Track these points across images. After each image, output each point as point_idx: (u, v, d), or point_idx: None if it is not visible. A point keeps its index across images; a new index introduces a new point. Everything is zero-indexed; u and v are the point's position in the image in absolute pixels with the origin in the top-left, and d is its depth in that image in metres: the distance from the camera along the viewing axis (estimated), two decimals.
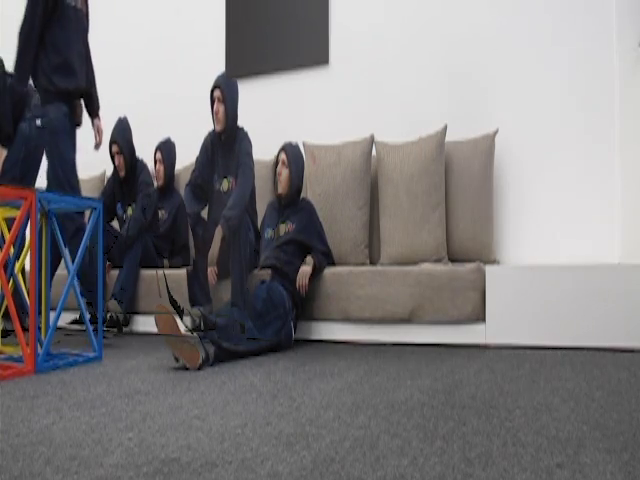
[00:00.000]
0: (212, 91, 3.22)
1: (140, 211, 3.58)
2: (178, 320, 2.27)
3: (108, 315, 3.40)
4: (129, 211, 3.73)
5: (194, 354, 2.23)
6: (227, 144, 3.23)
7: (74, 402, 1.70)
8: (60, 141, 2.88)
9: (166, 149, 3.86)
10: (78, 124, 3.05)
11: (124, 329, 3.46)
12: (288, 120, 4.03)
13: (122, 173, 3.71)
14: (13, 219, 3.03)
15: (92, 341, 2.50)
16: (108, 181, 3.85)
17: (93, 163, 4.68)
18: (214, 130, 3.26)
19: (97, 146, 3.21)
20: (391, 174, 3.38)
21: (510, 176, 3.42)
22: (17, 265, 2.60)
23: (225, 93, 3.16)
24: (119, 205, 3.78)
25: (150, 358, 2.52)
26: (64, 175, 2.89)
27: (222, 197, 3.19)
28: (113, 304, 3.47)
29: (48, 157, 2.91)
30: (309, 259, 3.01)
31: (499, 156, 3.38)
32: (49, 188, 2.87)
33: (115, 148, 3.69)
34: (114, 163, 3.73)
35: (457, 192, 3.31)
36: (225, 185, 3.22)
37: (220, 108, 3.16)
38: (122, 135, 3.68)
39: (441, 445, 1.25)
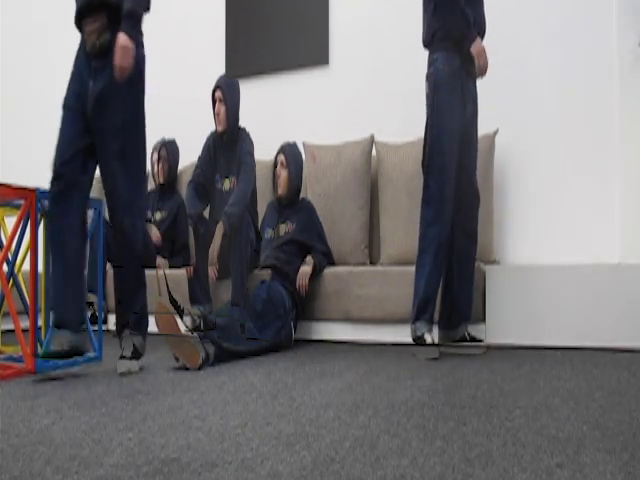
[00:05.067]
0: (213, 91, 3.23)
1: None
2: (178, 320, 2.27)
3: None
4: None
5: (194, 354, 2.23)
6: (229, 144, 3.23)
7: (74, 402, 1.70)
8: None
9: (170, 149, 3.86)
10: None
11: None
12: (288, 120, 4.02)
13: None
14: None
15: (92, 341, 2.50)
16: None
17: None
18: (216, 130, 3.26)
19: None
20: (391, 174, 3.38)
21: (510, 176, 3.42)
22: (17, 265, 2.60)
23: (226, 94, 3.17)
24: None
25: (150, 358, 2.52)
26: None
27: (224, 197, 3.19)
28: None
29: None
30: (309, 259, 3.01)
31: (499, 156, 3.38)
32: None
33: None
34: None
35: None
36: (227, 185, 3.23)
37: (221, 109, 3.17)
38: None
39: (441, 445, 1.25)
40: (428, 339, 2.47)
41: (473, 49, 2.49)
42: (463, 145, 2.58)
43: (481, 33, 2.62)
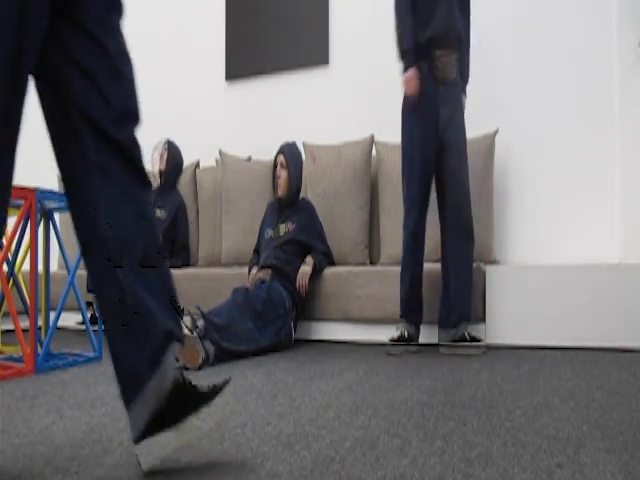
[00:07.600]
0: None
1: None
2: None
3: None
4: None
5: (194, 354, 2.23)
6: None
7: (74, 402, 1.70)
8: None
9: (171, 149, 3.87)
10: None
11: None
12: (288, 120, 4.02)
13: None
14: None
15: (92, 341, 2.50)
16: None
17: None
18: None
19: None
20: (391, 174, 3.38)
21: (510, 176, 3.42)
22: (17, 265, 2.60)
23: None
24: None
25: None
26: None
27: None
28: None
29: None
30: (309, 259, 3.00)
31: (499, 156, 3.38)
32: None
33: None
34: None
35: None
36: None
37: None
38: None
39: (441, 445, 1.25)
40: (395, 336, 2.65)
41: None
42: (442, 148, 2.65)
43: (463, 44, 2.74)
